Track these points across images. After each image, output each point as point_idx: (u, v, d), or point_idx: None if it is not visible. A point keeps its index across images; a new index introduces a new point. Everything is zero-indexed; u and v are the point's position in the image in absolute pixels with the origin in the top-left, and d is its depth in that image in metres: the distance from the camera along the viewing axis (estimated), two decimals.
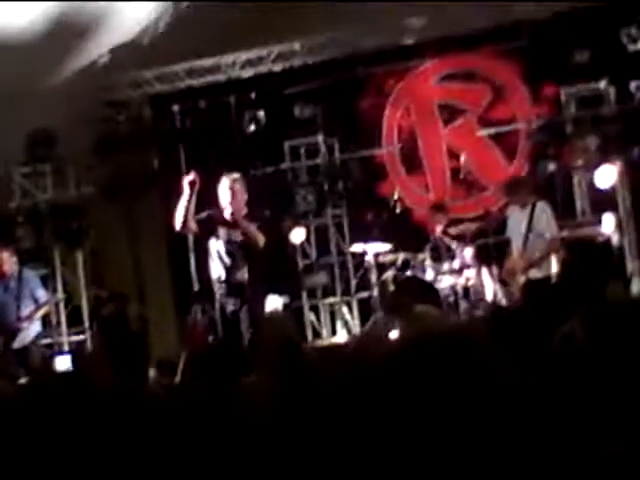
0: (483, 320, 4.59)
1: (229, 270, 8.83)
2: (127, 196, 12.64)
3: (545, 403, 2.77)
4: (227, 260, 8.83)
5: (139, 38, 12.27)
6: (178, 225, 8.79)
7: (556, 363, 3.05)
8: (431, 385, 1.99)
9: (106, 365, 4.59)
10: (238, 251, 8.85)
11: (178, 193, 10.13)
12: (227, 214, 8.85)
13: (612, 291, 5.64)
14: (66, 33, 11.14)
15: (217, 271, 8.88)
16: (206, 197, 9.09)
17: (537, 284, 9.72)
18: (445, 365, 2.01)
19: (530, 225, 9.94)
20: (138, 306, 12.43)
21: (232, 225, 8.85)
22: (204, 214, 8.92)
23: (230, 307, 8.82)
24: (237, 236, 8.87)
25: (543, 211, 9.99)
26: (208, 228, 8.89)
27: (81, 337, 12.33)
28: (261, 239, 8.86)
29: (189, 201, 8.65)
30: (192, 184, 8.63)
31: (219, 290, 8.88)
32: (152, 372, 7.28)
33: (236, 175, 9.06)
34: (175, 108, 13.08)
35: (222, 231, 8.87)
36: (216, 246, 8.89)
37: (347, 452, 2.52)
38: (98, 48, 12.17)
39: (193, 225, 8.81)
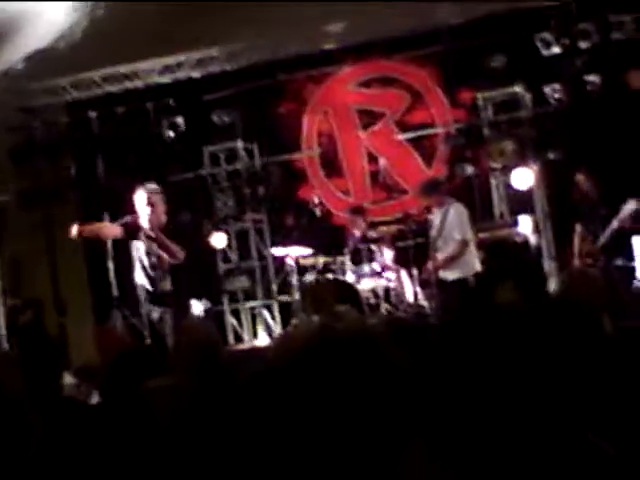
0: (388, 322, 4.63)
1: (153, 280, 8.85)
2: (44, 204, 12.46)
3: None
4: (150, 271, 8.85)
5: (56, 44, 12.10)
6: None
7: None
8: (331, 383, 1.99)
9: (16, 370, 4.49)
10: (160, 263, 8.87)
11: (96, 201, 10.13)
12: (146, 227, 8.83)
13: (501, 293, 5.72)
14: None
15: (141, 279, 8.88)
16: (125, 205, 9.08)
17: (448, 285, 9.85)
18: (344, 364, 2.01)
19: (441, 226, 10.04)
20: (55, 312, 12.27)
21: (151, 238, 8.86)
22: (125, 220, 8.89)
23: (154, 314, 8.85)
24: (157, 249, 8.88)
25: (456, 212, 10.08)
26: (130, 233, 8.88)
27: None
28: (180, 253, 8.87)
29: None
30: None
31: (144, 298, 8.89)
32: (71, 379, 7.19)
33: (153, 186, 9.04)
34: (92, 115, 12.92)
35: (143, 241, 8.87)
36: (138, 254, 8.88)
37: (255, 451, 2.50)
38: (14, 54, 11.97)
39: (116, 230, 8.84)
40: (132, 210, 8.99)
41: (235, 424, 2.95)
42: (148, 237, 8.89)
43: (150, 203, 8.85)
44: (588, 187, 9.71)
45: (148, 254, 8.91)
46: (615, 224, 9.31)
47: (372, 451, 1.98)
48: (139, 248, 8.90)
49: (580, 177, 9.80)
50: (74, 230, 8.74)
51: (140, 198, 8.88)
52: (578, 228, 9.87)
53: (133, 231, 8.88)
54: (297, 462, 2.04)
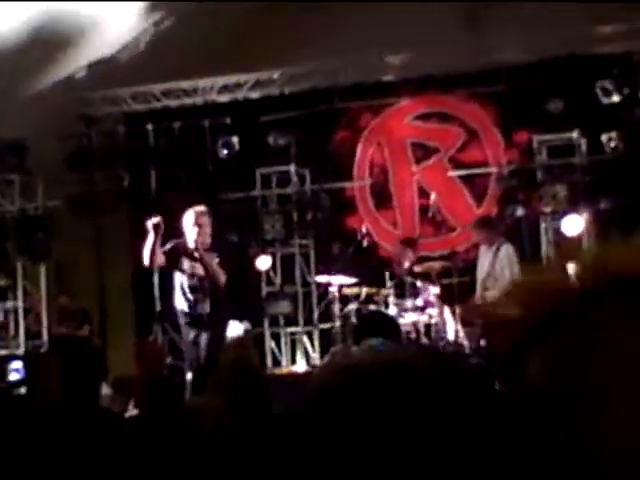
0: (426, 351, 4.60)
1: (192, 304, 8.95)
2: (95, 212, 12.57)
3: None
4: (190, 294, 8.95)
5: (118, 55, 12.25)
6: (146, 261, 8.92)
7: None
8: (361, 413, 1.96)
9: (56, 377, 4.54)
10: (201, 285, 8.94)
11: (147, 212, 10.19)
12: (191, 247, 8.90)
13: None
14: (46, 43, 11.08)
15: (180, 304, 8.98)
16: (175, 223, 9.17)
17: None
18: (375, 394, 1.98)
19: (493, 265, 10.02)
20: (98, 322, 12.35)
21: (195, 259, 8.95)
22: (169, 245, 9.01)
23: (191, 336, 8.93)
24: (200, 270, 8.96)
25: (506, 253, 10.07)
26: (173, 260, 9.01)
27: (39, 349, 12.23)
28: (222, 277, 8.95)
29: (154, 242, 8.78)
30: (156, 227, 8.75)
31: (182, 320, 8.98)
32: (108, 390, 7.24)
33: (202, 208, 9.17)
34: (149, 127, 13.03)
35: (186, 263, 8.98)
36: (180, 278, 9.00)
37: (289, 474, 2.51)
38: (77, 62, 12.12)
39: (160, 259, 8.94)
40: (179, 231, 9.11)
41: (270, 448, 2.96)
42: (192, 258, 8.98)
43: (198, 224, 8.94)
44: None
45: (191, 275, 9.00)
46: None
47: None
48: (182, 272, 9.02)
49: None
50: None
51: (188, 218, 8.99)
52: None
53: (175, 259, 8.98)
54: None
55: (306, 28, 11.80)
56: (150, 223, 8.84)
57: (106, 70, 12.26)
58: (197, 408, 4.05)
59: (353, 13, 11.60)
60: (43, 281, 12.53)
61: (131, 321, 12.88)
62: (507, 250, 10.13)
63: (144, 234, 12.72)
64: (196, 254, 8.97)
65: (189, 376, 7.56)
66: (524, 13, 11.14)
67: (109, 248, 12.76)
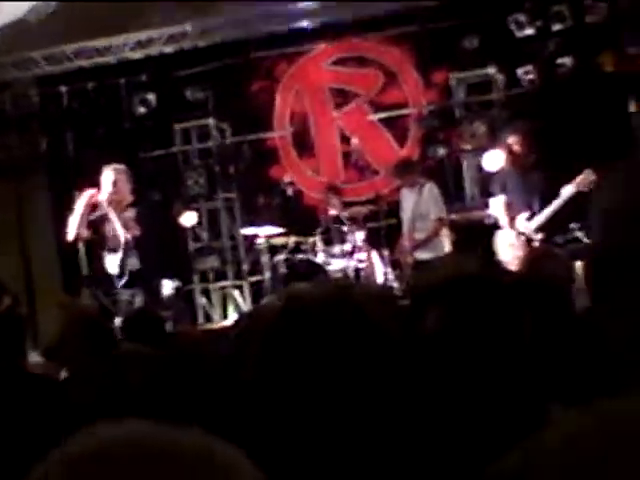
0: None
1: (121, 263, 8.84)
2: (12, 177, 12.35)
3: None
4: (116, 254, 8.84)
5: (27, 17, 11.98)
6: (71, 236, 8.79)
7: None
8: (306, 349, 1.93)
9: None
10: (125, 243, 8.85)
11: (66, 176, 10.07)
12: (105, 204, 8.81)
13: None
14: None
15: (112, 267, 8.88)
16: (94, 181, 9.03)
17: (423, 265, 9.83)
18: (319, 327, 1.95)
19: (417, 206, 10.06)
20: (23, 291, 12.17)
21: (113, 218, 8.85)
22: (93, 216, 8.88)
23: (124, 296, 8.84)
24: (118, 229, 8.85)
25: (430, 192, 10.13)
26: (98, 231, 8.87)
27: None
28: (135, 229, 8.85)
29: (82, 215, 8.64)
30: (90, 197, 8.65)
31: (117, 283, 8.89)
32: (37, 357, 7.15)
33: (119, 165, 9.01)
34: (63, 89, 12.79)
35: (107, 226, 8.86)
36: (107, 244, 8.90)
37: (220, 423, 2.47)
38: None
39: (84, 232, 8.83)
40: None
41: (202, 396, 2.93)
42: (107, 218, 8.87)
43: (114, 182, 8.83)
44: (522, 150, 8.72)
45: (113, 236, 8.90)
46: (553, 206, 8.38)
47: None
48: (105, 236, 8.93)
49: (514, 138, 8.78)
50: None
51: (105, 177, 8.86)
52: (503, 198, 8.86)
53: (100, 228, 8.88)
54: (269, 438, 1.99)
55: None
56: (84, 194, 8.73)
57: (15, 33, 11.99)
58: (128, 354, 4.01)
59: None
60: None
61: (58, 288, 12.71)
62: (431, 189, 10.17)
63: (64, 198, 12.59)
64: (111, 212, 8.85)
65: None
66: None
67: (30, 214, 12.55)
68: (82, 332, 6.80)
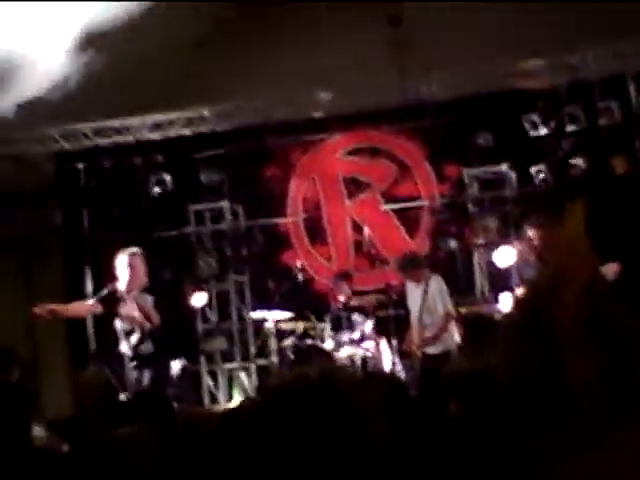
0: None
1: (135, 347, 8.86)
2: (26, 252, 12.43)
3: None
4: (131, 338, 8.86)
5: (48, 93, 12.17)
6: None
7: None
8: (288, 435, 1.97)
9: None
10: (139, 328, 8.87)
11: (80, 253, 10.11)
12: (124, 290, 8.86)
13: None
14: None
15: (124, 348, 8.89)
16: (108, 259, 9.11)
17: (432, 359, 9.85)
18: (302, 413, 1.99)
19: (424, 300, 10.08)
20: (29, 365, 12.14)
21: (129, 302, 8.88)
22: (105, 292, 8.94)
23: (134, 374, 8.84)
24: (135, 313, 8.88)
25: (437, 285, 10.14)
26: (110, 306, 8.92)
27: None
28: (156, 318, 8.87)
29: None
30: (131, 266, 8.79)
31: (128, 363, 8.89)
32: (41, 431, 7.14)
33: (134, 249, 9.04)
34: (80, 167, 12.93)
35: (122, 308, 8.89)
36: (119, 323, 8.92)
37: None
38: (5, 101, 12.01)
39: (98, 308, 8.95)
40: (113, 274, 9.05)
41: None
42: (125, 302, 8.90)
43: (130, 266, 8.85)
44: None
45: (128, 319, 8.92)
46: None
47: None
48: (119, 316, 8.96)
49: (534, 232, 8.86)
50: (36, 309, 8.71)
51: (121, 261, 8.90)
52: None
53: (112, 302, 8.92)
54: None
55: (236, 65, 11.92)
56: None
57: (36, 109, 12.16)
58: (126, 437, 4.04)
59: (283, 50, 11.76)
60: None
61: (64, 362, 12.70)
62: (437, 282, 10.18)
63: (76, 275, 12.67)
64: (129, 298, 8.88)
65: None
66: (448, 51, 11.37)
67: (40, 288, 12.59)
68: (94, 405, 6.82)
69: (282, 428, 1.97)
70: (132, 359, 8.88)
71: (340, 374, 2.23)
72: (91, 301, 9.22)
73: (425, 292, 10.09)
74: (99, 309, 9.02)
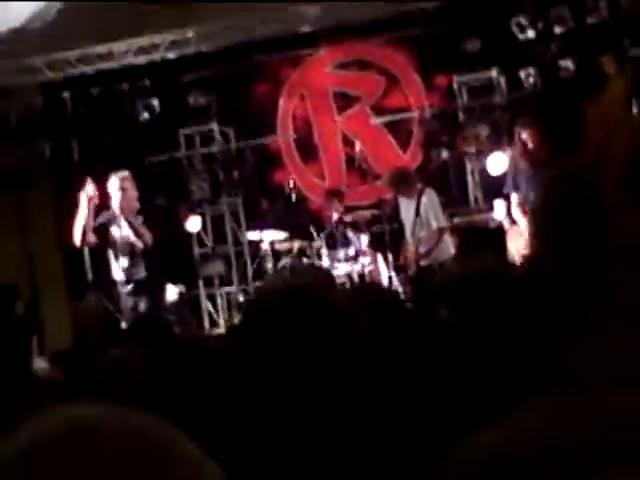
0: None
1: (127, 271, 8.88)
2: (17, 184, 12.37)
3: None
4: (123, 261, 8.88)
5: (29, 23, 12.00)
6: (77, 240, 8.87)
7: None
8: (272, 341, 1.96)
9: None
10: (132, 250, 8.89)
11: (71, 183, 10.05)
12: (117, 213, 8.86)
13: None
14: None
15: (117, 274, 8.92)
16: (100, 190, 9.06)
17: (426, 270, 9.84)
18: (279, 317, 1.99)
19: (417, 213, 10.04)
20: (28, 298, 12.20)
21: (122, 224, 8.89)
22: (99, 221, 8.92)
23: (130, 302, 8.87)
24: (129, 235, 8.88)
25: (429, 199, 10.08)
26: (104, 235, 8.93)
27: None
28: (148, 237, 8.88)
29: (87, 217, 8.70)
30: (90, 199, 8.67)
31: (121, 290, 8.91)
32: (42, 363, 7.18)
33: (125, 173, 9.08)
34: (67, 95, 12.82)
35: (116, 232, 8.90)
36: (112, 250, 8.93)
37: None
38: None
39: (91, 237, 8.87)
40: (105, 198, 9.02)
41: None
42: (119, 224, 8.92)
43: (121, 188, 8.90)
44: (537, 145, 8.78)
45: (122, 243, 8.94)
46: None
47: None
48: (113, 243, 8.95)
49: (527, 134, 8.85)
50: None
51: (112, 185, 8.94)
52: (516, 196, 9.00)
53: (106, 230, 8.90)
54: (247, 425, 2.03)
55: None
56: (84, 195, 8.76)
57: (18, 40, 12.01)
58: (119, 358, 4.05)
59: None
60: None
61: (63, 294, 12.74)
62: (429, 196, 10.12)
63: (70, 205, 12.60)
64: (122, 219, 8.91)
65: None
66: None
67: (35, 221, 12.57)
68: (94, 334, 6.84)
69: (270, 341, 1.96)
70: (126, 283, 8.91)
71: (326, 284, 2.24)
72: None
73: (417, 207, 10.04)
74: (93, 239, 9.02)
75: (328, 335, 2.00)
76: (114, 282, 9.01)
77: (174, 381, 3.38)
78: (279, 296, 2.07)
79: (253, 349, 2.02)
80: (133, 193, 9.03)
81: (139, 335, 5.48)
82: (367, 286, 7.37)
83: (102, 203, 9.06)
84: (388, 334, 3.45)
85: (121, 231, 8.93)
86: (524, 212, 8.75)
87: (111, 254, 8.99)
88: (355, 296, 3.96)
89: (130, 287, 8.92)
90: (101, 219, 8.98)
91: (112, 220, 8.94)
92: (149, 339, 5.12)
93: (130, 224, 8.89)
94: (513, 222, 9.03)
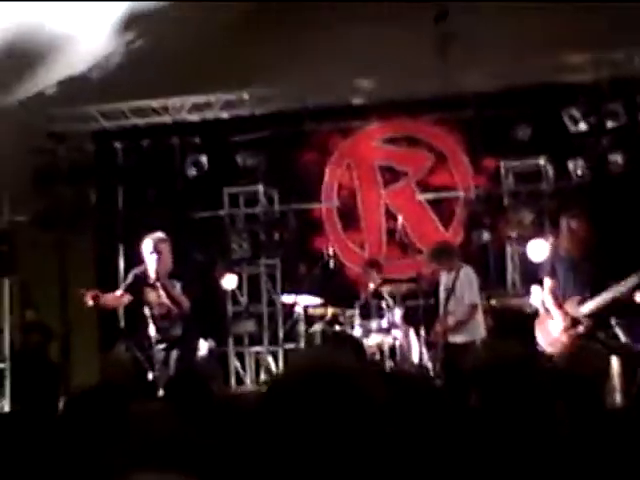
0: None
1: (164, 331, 8.86)
2: (61, 228, 12.49)
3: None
4: (159, 323, 8.86)
5: (89, 72, 12.23)
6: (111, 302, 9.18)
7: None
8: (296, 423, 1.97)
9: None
10: (169, 313, 8.89)
11: (113, 230, 10.11)
12: (153, 277, 8.86)
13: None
14: (17, 59, 11.04)
15: (152, 331, 8.87)
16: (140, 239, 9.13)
17: (456, 348, 9.81)
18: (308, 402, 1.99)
19: (452, 289, 10.05)
20: (60, 338, 12.25)
21: (158, 289, 8.86)
22: (130, 279, 9.01)
23: (162, 355, 8.84)
24: (164, 299, 8.87)
25: (465, 276, 10.10)
26: (137, 294, 8.99)
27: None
28: (186, 304, 8.86)
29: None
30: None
31: (155, 345, 8.88)
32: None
33: (160, 234, 9.01)
34: (118, 145, 12.98)
35: (150, 294, 8.90)
36: (147, 310, 8.89)
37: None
38: (47, 78, 12.09)
39: (126, 298, 9.11)
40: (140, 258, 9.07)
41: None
42: (154, 288, 8.89)
43: (157, 251, 8.84)
44: (586, 234, 8.66)
45: (157, 305, 8.92)
46: (608, 296, 8.33)
47: None
48: (147, 303, 8.95)
49: (576, 222, 8.75)
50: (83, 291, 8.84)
51: (146, 246, 8.90)
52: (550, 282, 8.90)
53: (139, 289, 8.93)
54: None
55: (277, 49, 11.90)
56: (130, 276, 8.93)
57: (76, 87, 12.23)
58: (143, 412, 4.05)
59: (324, 35, 11.73)
60: (7, 296, 12.41)
61: (94, 339, 12.77)
62: (467, 273, 10.15)
63: (109, 252, 12.72)
64: (158, 284, 8.87)
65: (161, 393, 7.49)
66: (492, 41, 11.28)
67: (74, 265, 12.65)
68: (121, 383, 6.84)
69: (298, 415, 1.97)
70: (160, 341, 8.89)
71: (360, 365, 2.24)
72: (119, 291, 9.23)
73: (454, 281, 10.05)
74: (126, 298, 9.07)
75: (353, 421, 2.00)
76: (149, 337, 8.97)
77: (209, 438, 3.38)
78: (305, 382, 2.07)
79: (281, 418, 2.02)
80: (168, 255, 8.93)
81: (177, 390, 5.48)
82: (400, 372, 7.31)
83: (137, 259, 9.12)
84: (418, 420, 3.41)
85: (157, 294, 8.90)
86: (555, 299, 8.71)
87: (147, 310, 8.92)
88: (385, 380, 3.92)
89: (165, 344, 8.90)
90: (131, 278, 9.03)
91: (147, 280, 8.93)
92: (186, 395, 5.11)
93: (166, 290, 8.85)
94: (546, 309, 8.94)
